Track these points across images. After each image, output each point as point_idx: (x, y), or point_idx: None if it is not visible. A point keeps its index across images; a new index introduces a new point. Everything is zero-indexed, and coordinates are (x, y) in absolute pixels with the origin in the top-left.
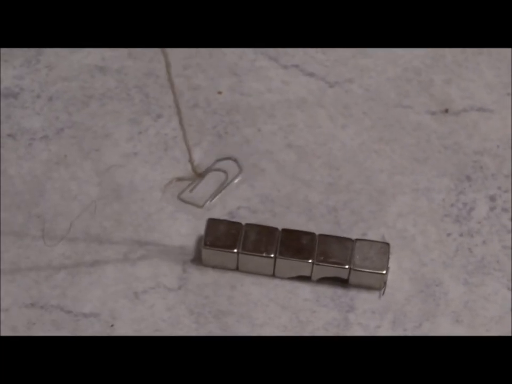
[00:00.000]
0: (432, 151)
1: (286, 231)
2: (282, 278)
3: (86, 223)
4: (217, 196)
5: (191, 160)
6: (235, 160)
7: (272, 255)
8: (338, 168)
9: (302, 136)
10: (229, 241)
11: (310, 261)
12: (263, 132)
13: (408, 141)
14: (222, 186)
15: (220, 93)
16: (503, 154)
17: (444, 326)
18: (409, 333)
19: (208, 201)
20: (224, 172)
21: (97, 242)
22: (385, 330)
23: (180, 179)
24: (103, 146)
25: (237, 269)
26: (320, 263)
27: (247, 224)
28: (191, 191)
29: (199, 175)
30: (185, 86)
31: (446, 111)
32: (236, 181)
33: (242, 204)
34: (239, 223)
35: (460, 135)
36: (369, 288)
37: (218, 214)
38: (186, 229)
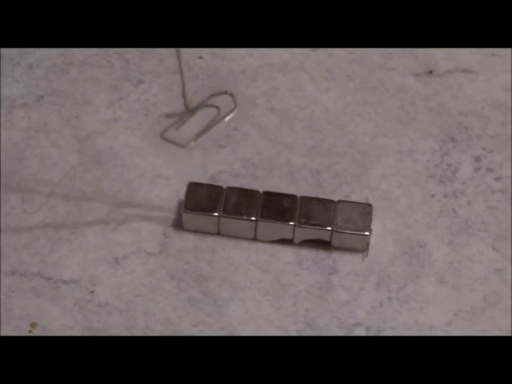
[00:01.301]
0: (417, 113)
1: (268, 194)
2: (264, 242)
3: (66, 190)
4: (203, 135)
5: (183, 94)
6: (231, 95)
7: (253, 218)
8: (321, 131)
9: (284, 100)
10: (210, 205)
11: (291, 223)
12: (246, 95)
13: (392, 103)
14: (211, 123)
15: (201, 58)
16: (488, 115)
17: (428, 287)
18: (393, 294)
19: (193, 141)
20: (217, 107)
21: (77, 209)
22: (369, 293)
23: (168, 115)
24: (83, 113)
25: (218, 233)
26: (302, 225)
27: (228, 188)
28: (176, 129)
29: (190, 110)
30: (166, 51)
31: (430, 72)
32: (228, 118)
33: (224, 168)
34: (219, 187)
35: (444, 97)
36: (352, 250)
37: (200, 177)
38: (167, 194)
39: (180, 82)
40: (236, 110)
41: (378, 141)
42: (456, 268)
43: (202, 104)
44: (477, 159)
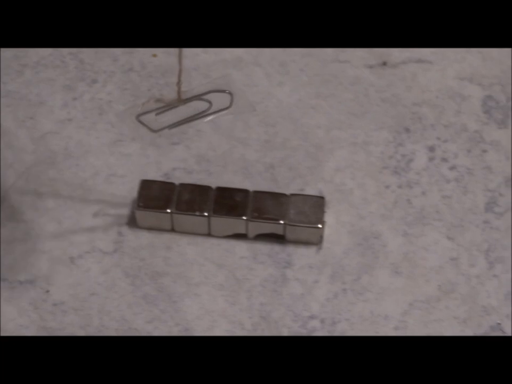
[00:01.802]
0: (371, 105)
1: (220, 189)
2: (218, 237)
3: (21, 190)
4: (180, 125)
5: (179, 83)
6: (230, 94)
7: (206, 214)
8: (274, 125)
9: (238, 95)
10: (162, 201)
11: (244, 217)
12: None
13: (346, 96)
14: (196, 116)
15: (154, 55)
16: (442, 104)
17: (383, 278)
18: (348, 286)
19: (167, 129)
20: (209, 102)
21: (33, 209)
22: (323, 285)
23: (159, 100)
24: (37, 114)
25: (172, 229)
26: (255, 220)
27: (181, 184)
28: (157, 114)
29: (182, 100)
30: (119, 50)
31: (384, 64)
32: (210, 117)
33: (178, 165)
34: (172, 183)
35: (398, 88)
36: (306, 243)
37: (154, 174)
38: (122, 192)
39: (134, 80)
40: (228, 109)
41: (332, 134)
42: (411, 258)
43: (197, 98)
44: (431, 149)
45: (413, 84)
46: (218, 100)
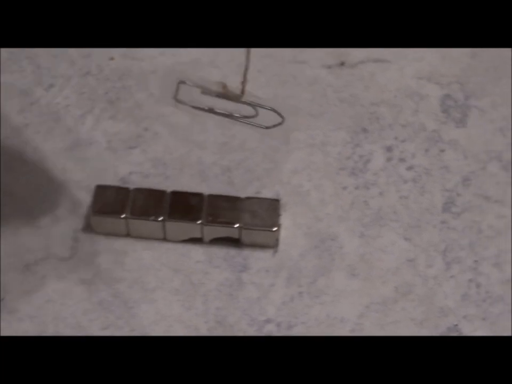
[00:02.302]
0: (329, 105)
1: (175, 194)
2: (174, 242)
3: None
4: (204, 111)
5: (244, 81)
6: (282, 118)
7: (160, 219)
8: (231, 127)
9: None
10: (117, 207)
11: (199, 222)
12: (155, 95)
13: (304, 96)
14: (231, 116)
15: (112, 59)
16: (400, 103)
17: (339, 280)
18: (304, 289)
19: (189, 105)
20: (277, 113)
21: None
22: (280, 288)
23: (224, 87)
24: None
25: (128, 234)
26: (210, 224)
27: (136, 189)
28: (203, 92)
29: (240, 97)
30: (76, 53)
31: (342, 64)
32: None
33: (134, 169)
34: (126, 188)
35: (356, 88)
36: (262, 246)
37: (110, 179)
38: (78, 197)
39: (91, 84)
40: (264, 128)
41: (290, 135)
42: (368, 260)
43: (255, 104)
44: (389, 149)
45: (371, 84)
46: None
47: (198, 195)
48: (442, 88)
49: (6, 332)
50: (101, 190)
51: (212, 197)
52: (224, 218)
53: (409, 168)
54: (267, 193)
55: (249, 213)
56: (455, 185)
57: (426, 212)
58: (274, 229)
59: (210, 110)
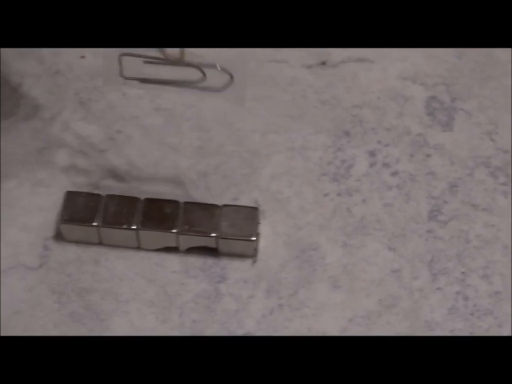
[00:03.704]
0: (308, 107)
1: (149, 201)
2: (148, 250)
3: None
4: (153, 84)
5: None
6: (231, 77)
7: (134, 227)
8: (208, 130)
9: (170, 99)
10: (88, 214)
11: (174, 230)
12: (128, 96)
13: (282, 98)
14: (173, 81)
15: (83, 57)
16: (383, 106)
17: (321, 292)
18: (284, 301)
19: (138, 81)
20: (203, 73)
21: None
22: (259, 300)
23: (162, 51)
24: None
25: (100, 243)
26: (185, 233)
27: (108, 195)
28: (146, 62)
29: (182, 60)
30: (46, 52)
31: (323, 63)
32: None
33: (106, 174)
34: (98, 195)
35: (338, 88)
36: (240, 256)
37: (81, 184)
38: (48, 203)
39: (60, 84)
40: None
41: (268, 138)
42: (351, 271)
43: (197, 65)
44: (372, 153)
45: (353, 85)
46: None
47: (173, 202)
48: (428, 89)
49: None
50: (71, 196)
51: (188, 204)
52: (200, 227)
53: (394, 174)
54: (245, 200)
55: (226, 221)
56: (442, 192)
57: (411, 220)
58: (253, 238)
59: (160, 81)
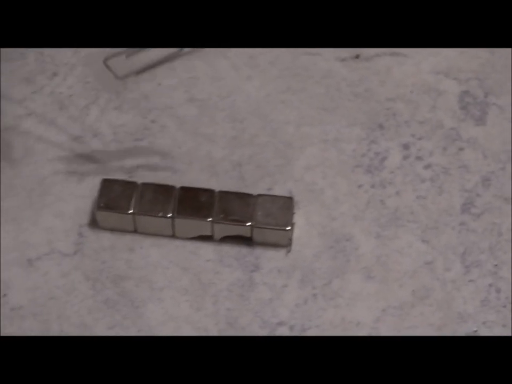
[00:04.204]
0: (342, 100)
1: (184, 189)
2: (183, 239)
3: None
4: (147, 71)
5: None
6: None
7: (169, 215)
8: (242, 121)
9: (204, 89)
10: (124, 202)
11: (209, 219)
12: (163, 86)
13: (316, 90)
14: (163, 60)
15: None
16: (416, 100)
17: (355, 283)
18: (318, 291)
19: (133, 75)
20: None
21: None
22: (293, 290)
23: None
24: None
25: (135, 230)
26: (220, 222)
27: (143, 183)
28: (128, 56)
29: None
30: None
31: (357, 56)
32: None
33: (141, 163)
34: (134, 182)
35: (371, 82)
36: (275, 245)
37: (116, 172)
38: (83, 191)
39: (96, 73)
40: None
41: (302, 130)
42: (384, 262)
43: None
44: (406, 146)
45: (386, 78)
46: None
47: (209, 191)
48: (461, 84)
49: (8, 331)
50: (107, 184)
51: (223, 193)
52: (235, 216)
53: (427, 166)
54: (279, 190)
55: (262, 211)
56: (474, 186)
57: (444, 213)
58: (288, 228)
59: (152, 65)
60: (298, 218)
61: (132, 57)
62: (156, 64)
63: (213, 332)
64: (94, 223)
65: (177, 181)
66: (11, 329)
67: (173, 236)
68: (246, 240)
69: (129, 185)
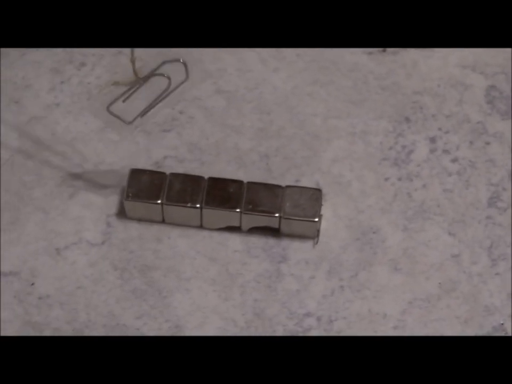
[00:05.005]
0: (369, 93)
1: (213, 180)
2: (210, 229)
3: (6, 178)
4: (151, 110)
5: (132, 59)
6: (184, 64)
7: (197, 205)
8: (269, 113)
9: (232, 81)
10: (152, 192)
11: (237, 210)
12: (191, 78)
13: (343, 83)
14: (160, 97)
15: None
16: (443, 93)
17: (382, 275)
18: (345, 283)
19: (139, 117)
20: (168, 78)
21: (17, 198)
22: (320, 281)
23: (116, 83)
24: (23, 98)
25: (163, 221)
26: (249, 212)
27: (172, 174)
28: (124, 101)
29: (140, 78)
30: None
31: (384, 50)
32: (177, 90)
33: (169, 153)
34: (162, 173)
35: (398, 75)
36: (302, 237)
37: (144, 163)
38: (111, 181)
39: (124, 64)
40: (187, 81)
41: (329, 123)
42: (411, 254)
43: (153, 72)
44: (433, 140)
45: (413, 72)
46: (177, 74)
47: (237, 182)
48: (487, 78)
49: (36, 319)
50: (135, 174)
51: (251, 184)
52: (264, 207)
53: (454, 160)
54: (306, 182)
55: (290, 202)
56: (501, 180)
57: (471, 206)
58: (316, 219)
59: (154, 103)
60: (325, 210)
61: (129, 99)
62: (152, 105)
63: (240, 322)
64: (122, 213)
65: (205, 172)
66: (38, 318)
67: (201, 227)
68: (273, 231)
69: (157, 175)
